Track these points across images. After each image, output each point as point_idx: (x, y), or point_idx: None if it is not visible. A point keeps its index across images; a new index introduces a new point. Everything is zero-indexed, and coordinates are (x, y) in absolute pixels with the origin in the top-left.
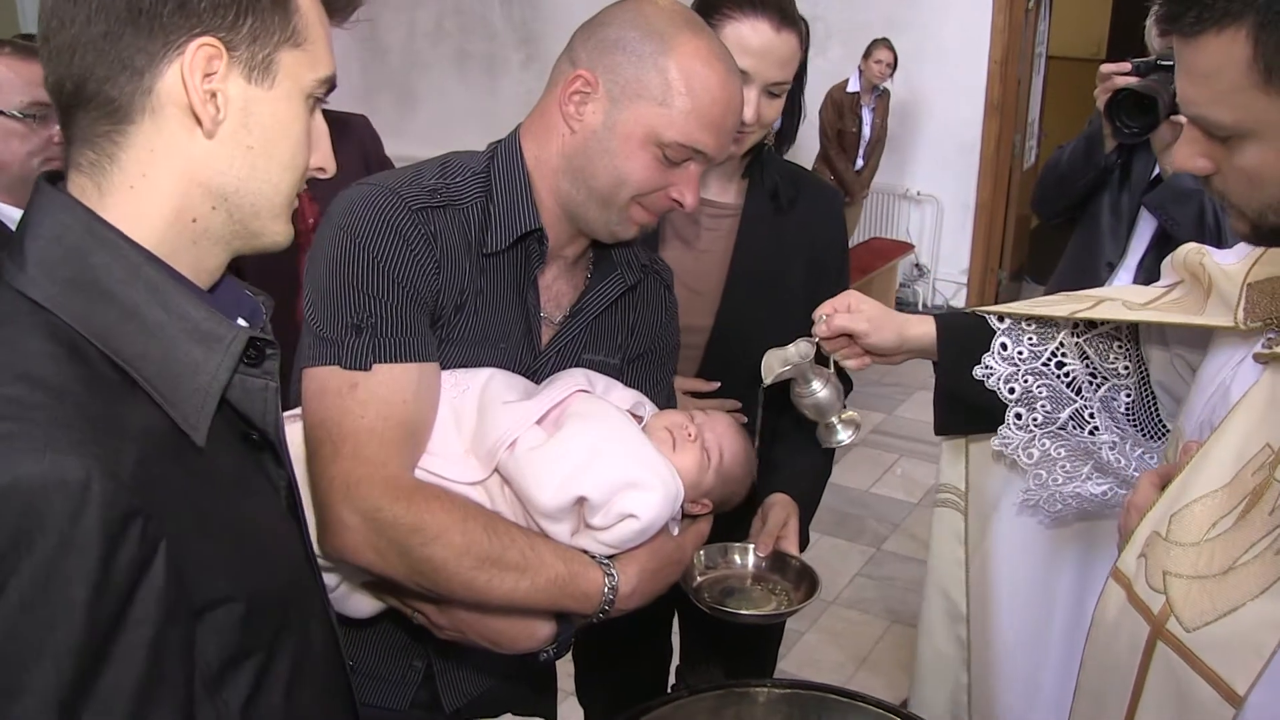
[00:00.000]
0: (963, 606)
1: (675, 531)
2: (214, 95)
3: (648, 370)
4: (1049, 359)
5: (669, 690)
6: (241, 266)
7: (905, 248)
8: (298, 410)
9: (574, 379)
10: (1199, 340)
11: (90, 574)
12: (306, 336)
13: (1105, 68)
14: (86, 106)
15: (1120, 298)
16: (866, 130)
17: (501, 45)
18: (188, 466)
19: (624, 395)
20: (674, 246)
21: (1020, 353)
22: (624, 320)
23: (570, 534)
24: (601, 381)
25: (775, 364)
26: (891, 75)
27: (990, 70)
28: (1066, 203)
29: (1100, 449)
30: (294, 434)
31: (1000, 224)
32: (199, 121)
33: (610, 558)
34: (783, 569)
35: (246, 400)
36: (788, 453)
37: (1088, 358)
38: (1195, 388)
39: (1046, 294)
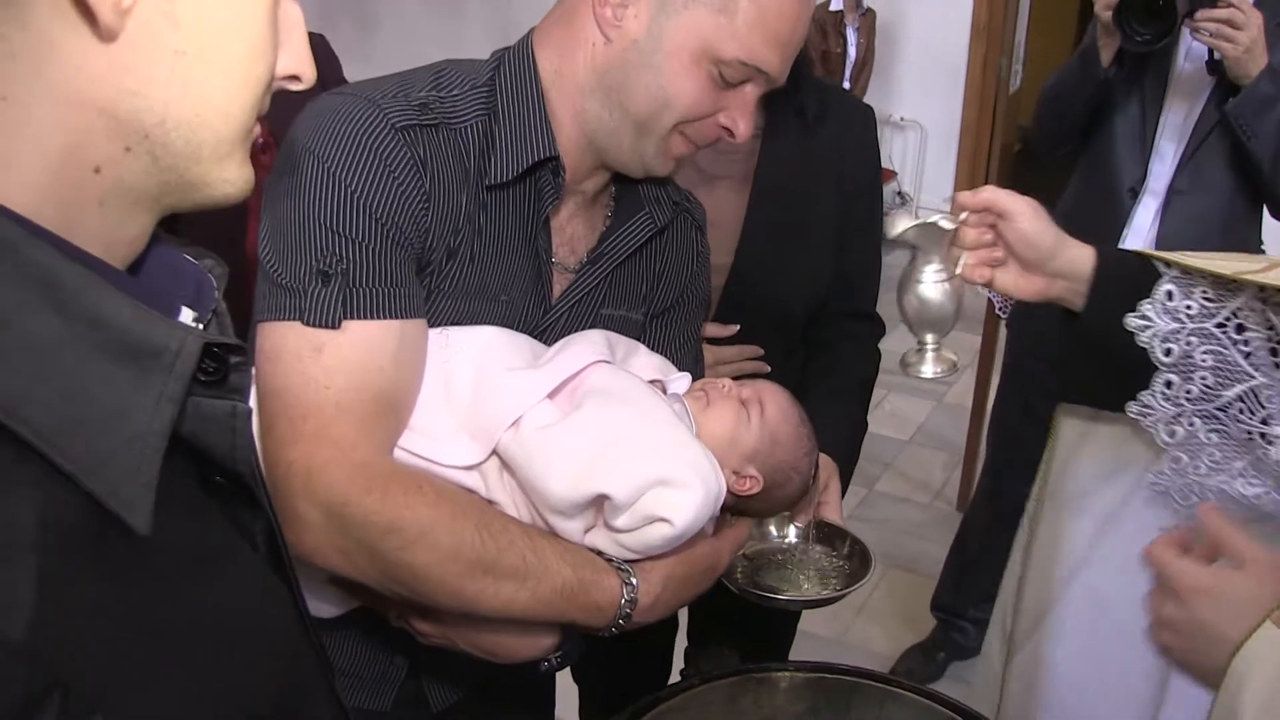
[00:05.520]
0: (1009, 621)
1: (710, 531)
2: None
3: (674, 326)
4: (1225, 321)
5: (671, 670)
6: None
7: (887, 175)
8: None
9: (592, 344)
10: None
11: None
12: (262, 283)
13: None
14: None
15: None
16: (852, 51)
17: None
18: (122, 566)
19: (647, 362)
20: (684, 172)
21: (1189, 307)
22: (649, 268)
23: (583, 532)
24: (623, 345)
25: (902, 220)
26: None
27: None
28: (1068, 128)
29: (1275, 444)
30: None
31: (985, 150)
32: (89, 11)
33: (630, 560)
34: (827, 541)
35: (205, 432)
36: (821, 403)
37: (1274, 329)
38: None
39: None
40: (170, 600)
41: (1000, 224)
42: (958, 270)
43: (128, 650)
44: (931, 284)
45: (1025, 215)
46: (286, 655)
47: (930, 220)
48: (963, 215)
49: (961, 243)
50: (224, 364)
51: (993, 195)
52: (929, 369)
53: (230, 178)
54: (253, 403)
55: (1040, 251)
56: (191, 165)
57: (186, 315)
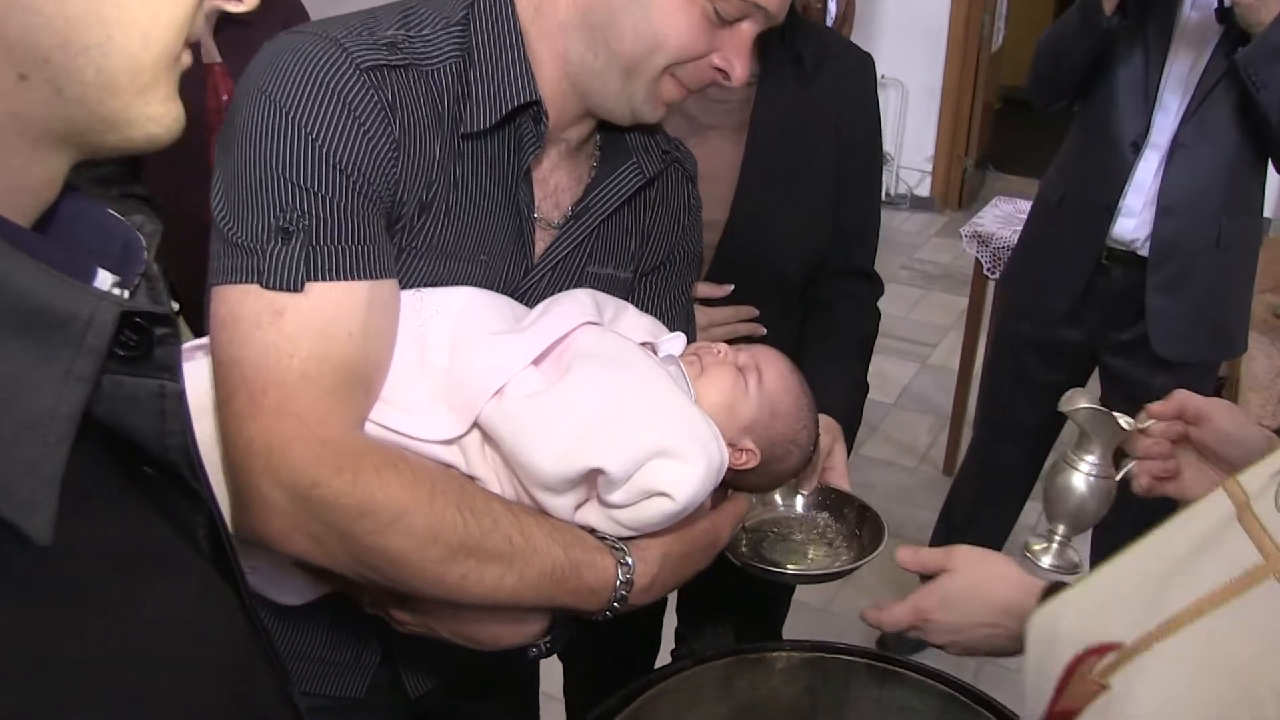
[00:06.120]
0: None
1: (709, 505)
2: None
3: (664, 285)
4: None
5: (660, 645)
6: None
7: None
8: (203, 341)
9: (579, 304)
10: None
11: None
12: (216, 242)
13: None
14: None
15: None
16: (832, 6)
17: None
18: (21, 581)
19: (637, 323)
20: (675, 122)
21: None
22: (638, 223)
23: (574, 508)
24: (611, 305)
25: (1081, 398)
26: None
27: None
28: (1066, 81)
29: None
30: (199, 375)
31: (967, 109)
32: None
33: (625, 538)
34: (834, 508)
35: (129, 415)
36: (820, 364)
37: None
38: None
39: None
40: (86, 617)
41: (1196, 430)
42: (1119, 476)
43: (34, 682)
44: (1084, 475)
45: (1223, 414)
46: (231, 664)
47: (1105, 410)
48: (1148, 422)
49: (1134, 450)
50: (147, 336)
51: (1185, 399)
52: (1049, 561)
53: (154, 114)
54: (207, 377)
55: (1249, 450)
56: (106, 98)
57: (105, 279)
